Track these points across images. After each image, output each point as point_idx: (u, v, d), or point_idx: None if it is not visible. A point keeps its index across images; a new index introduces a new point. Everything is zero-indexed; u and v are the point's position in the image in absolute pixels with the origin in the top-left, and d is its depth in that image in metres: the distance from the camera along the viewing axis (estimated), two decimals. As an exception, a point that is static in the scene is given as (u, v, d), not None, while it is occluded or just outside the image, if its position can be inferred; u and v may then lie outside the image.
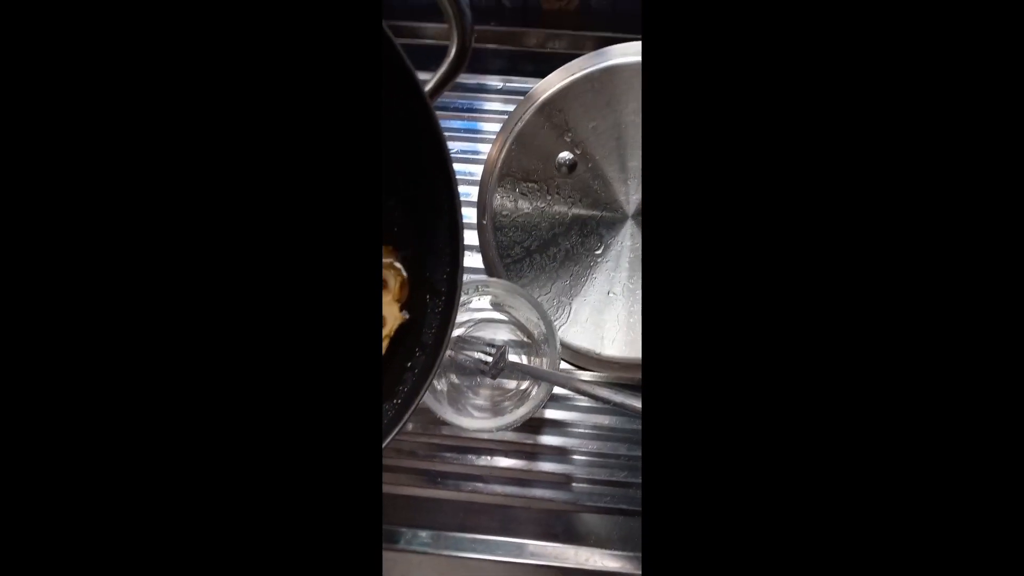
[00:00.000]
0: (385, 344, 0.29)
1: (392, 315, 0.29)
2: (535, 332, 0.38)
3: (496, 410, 0.36)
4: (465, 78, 0.48)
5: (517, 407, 0.35)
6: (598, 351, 0.39)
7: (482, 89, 0.48)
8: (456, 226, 0.28)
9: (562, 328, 0.39)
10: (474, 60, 0.47)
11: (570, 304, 0.39)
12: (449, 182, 0.27)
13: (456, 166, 0.47)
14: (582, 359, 0.39)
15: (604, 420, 0.42)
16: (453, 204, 0.27)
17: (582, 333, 0.39)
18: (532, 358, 0.39)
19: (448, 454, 0.42)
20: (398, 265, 0.31)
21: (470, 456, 0.42)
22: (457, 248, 0.28)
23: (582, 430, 0.42)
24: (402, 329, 0.30)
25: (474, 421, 0.35)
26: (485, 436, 0.41)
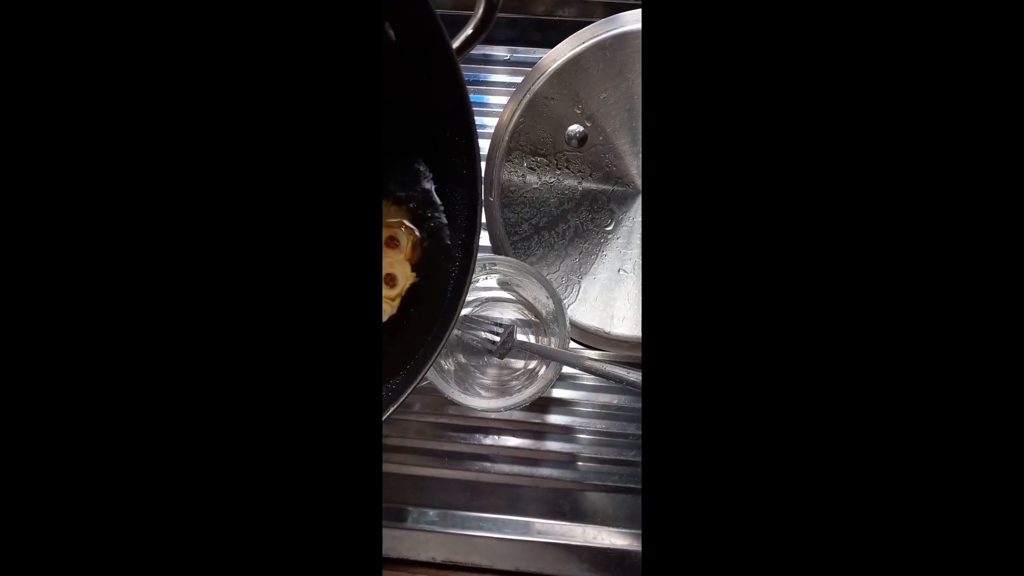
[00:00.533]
0: (396, 304, 0.28)
1: (403, 274, 0.29)
2: (543, 311, 0.37)
3: (504, 390, 0.36)
4: (502, 51, 0.46)
5: (525, 387, 0.35)
6: (607, 330, 0.38)
7: (487, 60, 0.46)
8: (475, 192, 0.27)
9: (571, 307, 0.38)
10: (511, 32, 0.46)
11: (579, 282, 0.39)
12: (471, 147, 0.26)
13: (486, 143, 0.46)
14: (591, 338, 0.39)
15: (611, 399, 0.42)
16: (473, 169, 0.27)
17: (591, 312, 0.38)
18: (540, 337, 0.38)
19: (455, 433, 0.42)
20: (410, 224, 0.30)
21: (477, 435, 0.42)
22: (475, 214, 0.27)
23: (589, 409, 0.42)
24: (414, 289, 0.29)
25: (481, 401, 0.35)
26: (492, 416, 0.41)
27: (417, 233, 0.31)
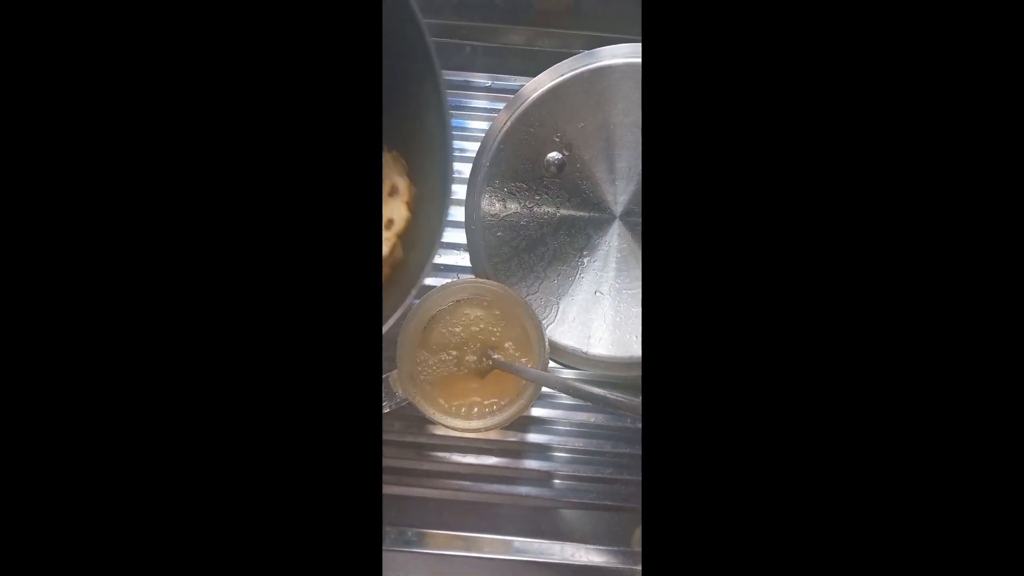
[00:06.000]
0: (395, 242, 0.32)
1: (400, 216, 0.33)
2: (524, 332, 0.38)
3: (483, 410, 0.37)
4: (450, 74, 0.48)
5: (505, 407, 0.35)
6: (585, 350, 0.39)
7: (468, 86, 0.48)
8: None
9: (549, 327, 0.39)
10: (460, 56, 0.47)
11: (558, 303, 0.40)
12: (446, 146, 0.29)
13: (468, 167, 0.47)
14: (569, 357, 0.40)
15: (589, 418, 0.43)
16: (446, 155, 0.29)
17: (569, 332, 0.39)
18: (520, 357, 0.39)
19: (432, 452, 0.42)
20: (408, 173, 0.34)
21: (454, 455, 0.42)
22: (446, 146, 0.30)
23: (566, 427, 0.43)
24: (408, 226, 0.33)
25: (461, 421, 0.35)
26: (470, 435, 0.41)
27: (412, 180, 0.34)
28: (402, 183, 0.33)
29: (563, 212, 0.39)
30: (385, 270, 0.33)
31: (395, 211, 0.32)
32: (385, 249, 0.32)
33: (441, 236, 0.29)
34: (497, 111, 0.46)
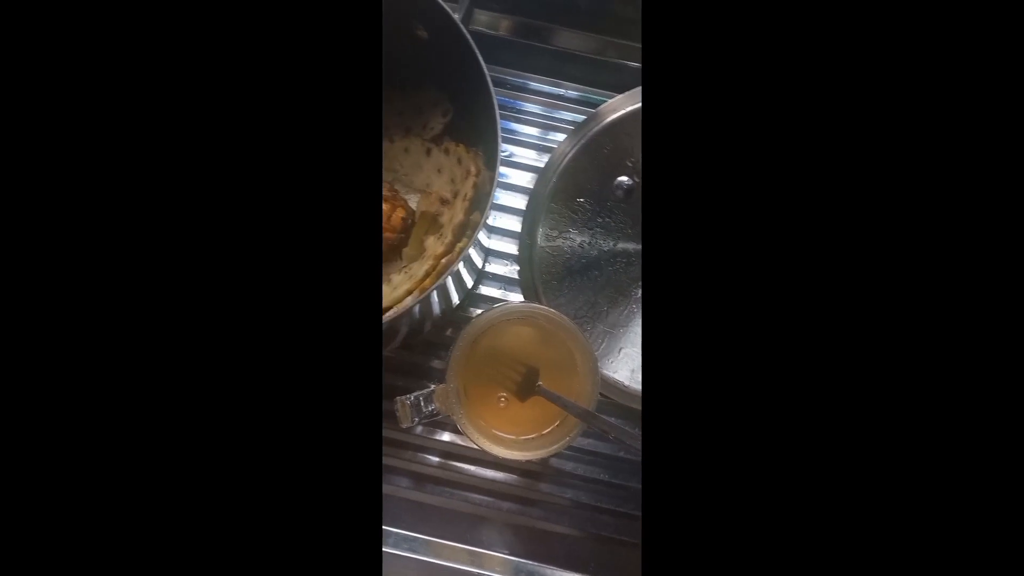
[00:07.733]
0: (467, 206, 0.35)
1: (470, 189, 0.35)
2: (576, 360, 0.36)
3: (526, 437, 0.35)
4: (506, 73, 0.45)
5: (548, 441, 0.34)
6: (626, 383, 0.38)
7: (524, 88, 0.45)
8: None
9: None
10: (518, 56, 0.44)
11: (606, 332, 0.38)
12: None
13: (515, 172, 0.44)
14: (608, 389, 0.39)
15: (619, 451, 0.41)
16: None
17: (614, 364, 0.38)
18: (569, 389, 0.37)
19: (439, 459, 0.41)
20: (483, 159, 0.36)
21: (472, 466, 0.41)
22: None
23: (591, 456, 0.41)
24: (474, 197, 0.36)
25: (501, 448, 0.34)
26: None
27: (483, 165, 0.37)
28: (473, 167, 0.36)
29: (624, 238, 0.38)
30: (455, 230, 0.36)
31: (468, 187, 0.36)
32: (459, 214, 0.35)
33: (492, 198, 0.33)
34: (550, 119, 0.44)
